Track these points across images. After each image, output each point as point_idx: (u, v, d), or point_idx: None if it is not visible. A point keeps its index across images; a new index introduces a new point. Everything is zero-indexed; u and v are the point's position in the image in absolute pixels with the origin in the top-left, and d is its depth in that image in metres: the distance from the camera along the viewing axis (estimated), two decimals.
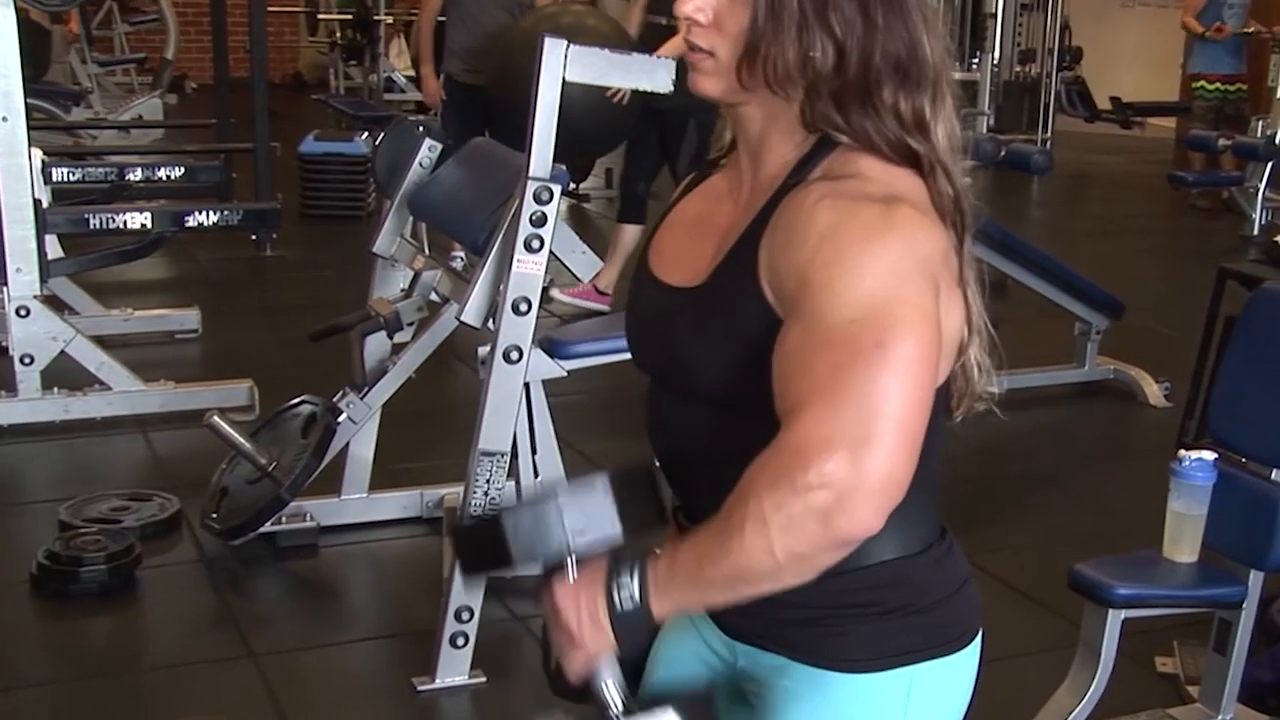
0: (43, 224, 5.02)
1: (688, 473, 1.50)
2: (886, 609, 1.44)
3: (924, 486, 1.46)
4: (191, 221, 5.38)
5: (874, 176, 1.34)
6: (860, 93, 1.35)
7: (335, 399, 4.10)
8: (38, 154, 5.27)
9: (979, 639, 1.54)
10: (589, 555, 1.41)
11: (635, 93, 3.63)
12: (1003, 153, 6.72)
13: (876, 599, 1.44)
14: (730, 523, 1.30)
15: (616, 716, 1.43)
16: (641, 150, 6.53)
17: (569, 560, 1.41)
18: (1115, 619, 2.86)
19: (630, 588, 1.36)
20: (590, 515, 1.41)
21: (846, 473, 1.25)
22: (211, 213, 5.47)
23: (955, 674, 1.51)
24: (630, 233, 6.59)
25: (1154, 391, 5.71)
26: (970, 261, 1.41)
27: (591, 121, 5.61)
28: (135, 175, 6.39)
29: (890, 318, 1.26)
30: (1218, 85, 10.37)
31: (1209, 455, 2.90)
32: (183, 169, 6.50)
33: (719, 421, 1.42)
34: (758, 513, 1.27)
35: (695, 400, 1.43)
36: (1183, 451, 2.93)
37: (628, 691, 1.45)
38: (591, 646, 1.40)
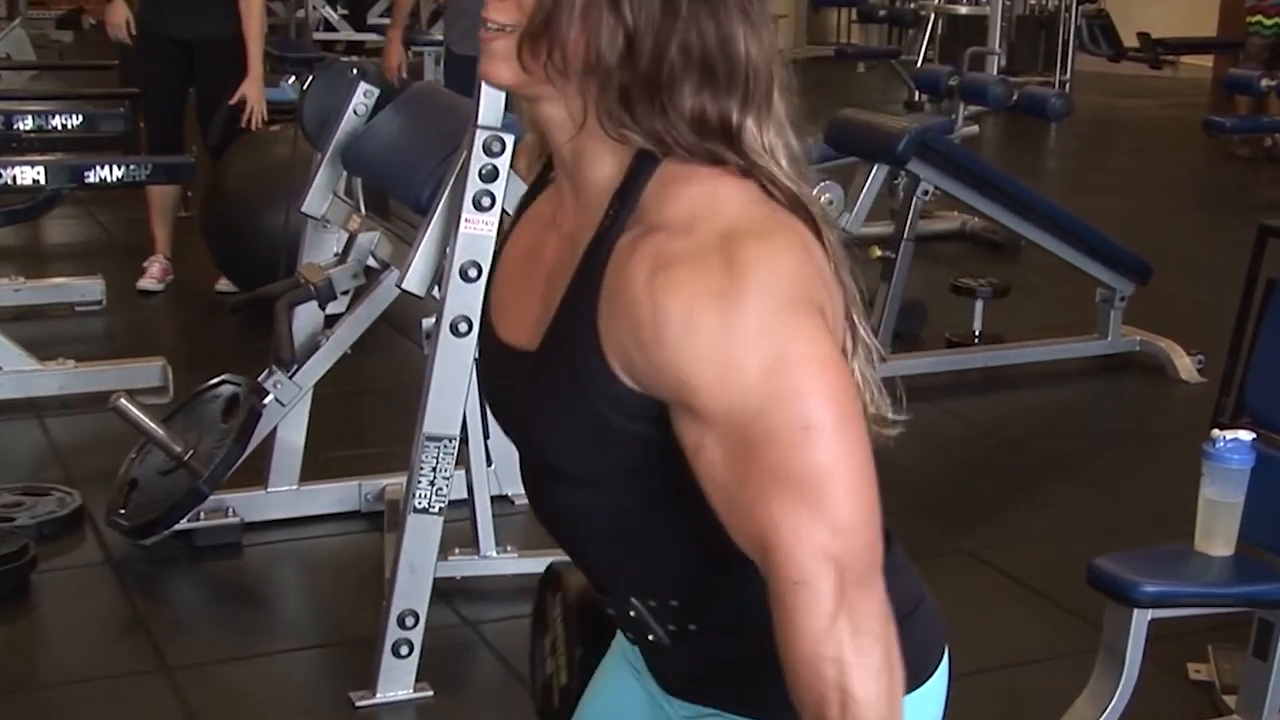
0: None
1: (574, 545, 1.55)
2: None
3: None
4: (92, 177, 5.34)
5: (696, 215, 1.32)
6: (649, 88, 1.33)
7: (260, 379, 4.09)
8: None
9: (945, 662, 1.55)
10: None
11: None
12: (1015, 96, 6.75)
13: None
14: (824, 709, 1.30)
15: None
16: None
17: None
18: (1141, 620, 2.89)
19: None
20: None
21: (844, 566, 1.28)
22: (115, 167, 5.43)
23: (918, 712, 1.49)
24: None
25: (1185, 365, 5.75)
26: (837, 262, 1.39)
27: None
28: (25, 124, 6.34)
29: (797, 389, 1.27)
30: (1278, 21, 10.39)
31: (1247, 436, 2.93)
32: (81, 117, 6.45)
33: (581, 497, 1.45)
34: (837, 667, 1.29)
35: (552, 477, 1.46)
36: (1217, 431, 2.95)
37: None
38: None
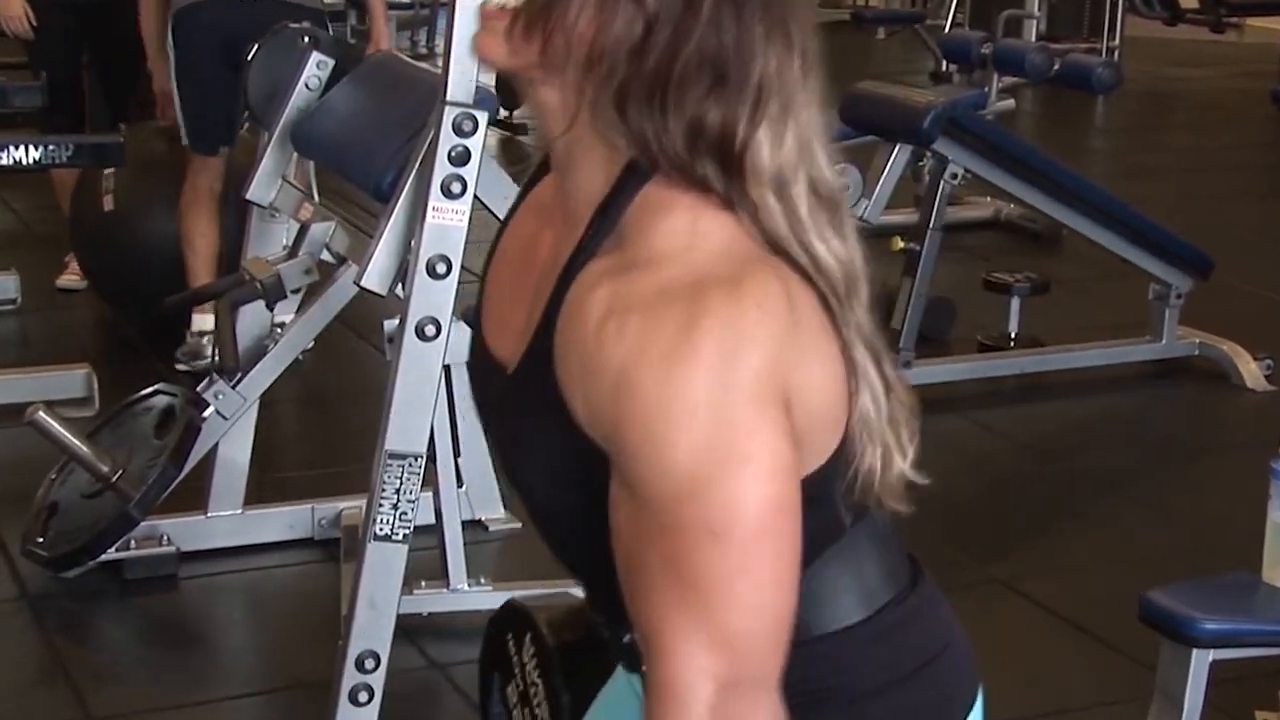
0: None
1: (568, 564, 1.59)
2: (815, 699, 1.46)
3: (850, 544, 1.50)
4: (4, 159, 5.35)
5: (671, 252, 1.35)
6: (654, 87, 1.36)
7: (199, 388, 4.10)
8: None
9: (978, 710, 1.57)
10: None
11: None
12: (1056, 66, 6.76)
13: (804, 687, 1.45)
14: None
15: None
16: None
17: None
18: (1201, 661, 2.90)
19: None
20: None
21: (726, 681, 1.32)
22: (31, 148, 5.42)
23: None
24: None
25: (1251, 371, 5.77)
26: (856, 324, 1.42)
27: None
28: None
29: (718, 487, 1.30)
30: None
31: None
32: None
33: (566, 530, 1.51)
34: None
35: (534, 506, 1.53)
36: None
37: None
38: None
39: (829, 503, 1.44)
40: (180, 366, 5.34)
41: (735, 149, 1.37)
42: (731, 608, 1.32)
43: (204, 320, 5.37)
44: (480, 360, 1.57)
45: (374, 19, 5.99)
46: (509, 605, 1.81)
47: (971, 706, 1.56)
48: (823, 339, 1.38)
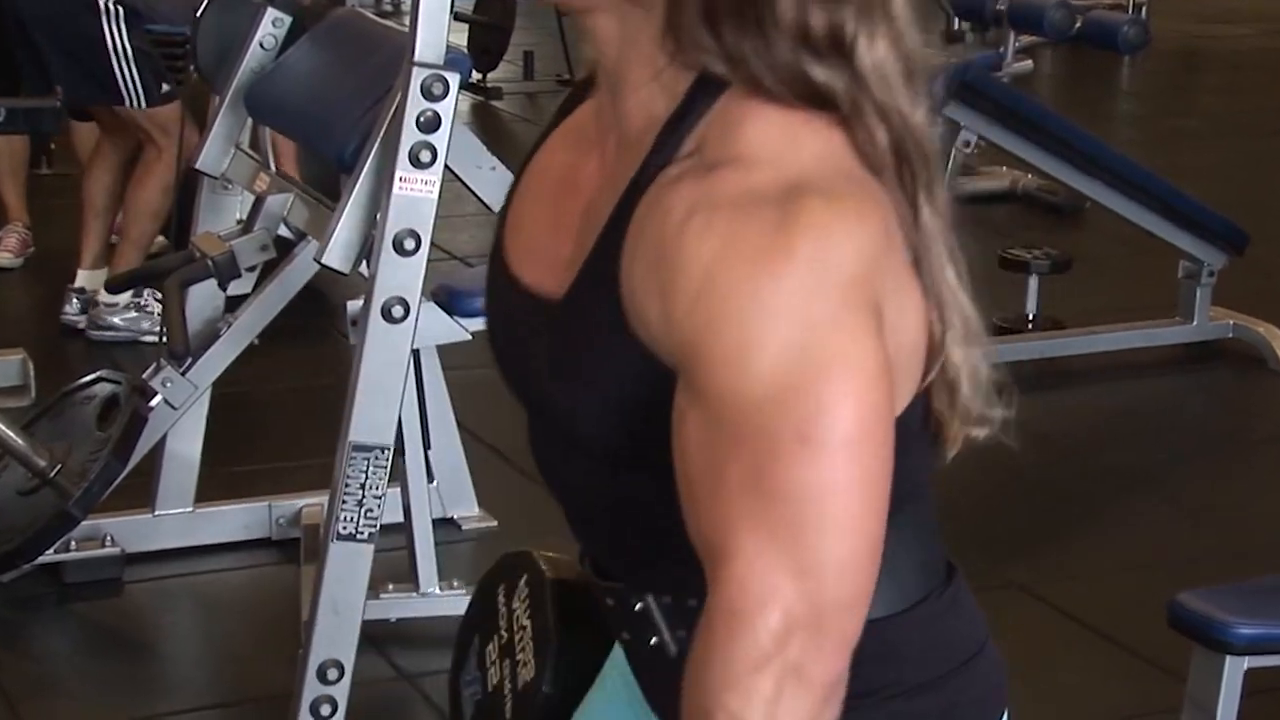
0: None
1: (583, 520, 1.58)
2: (860, 692, 1.43)
3: (910, 516, 1.50)
4: None
5: (762, 156, 1.35)
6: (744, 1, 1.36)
7: (145, 375, 4.10)
8: None
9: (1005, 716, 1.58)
10: None
11: None
12: (1078, 24, 6.76)
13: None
14: None
15: None
16: None
17: None
18: (1235, 669, 2.91)
19: None
20: None
21: (800, 615, 1.30)
22: None
23: None
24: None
25: None
26: (936, 230, 1.44)
27: None
28: None
29: (811, 390, 1.29)
30: None
31: None
32: None
33: (603, 474, 1.48)
34: None
35: (570, 446, 1.49)
36: None
37: None
38: None
39: (903, 455, 1.43)
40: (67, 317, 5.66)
41: (846, 48, 1.37)
42: (819, 528, 1.29)
43: (87, 276, 5.75)
44: (506, 289, 1.55)
45: None
46: (507, 555, 1.78)
47: (1003, 709, 1.57)
48: (912, 279, 1.40)
